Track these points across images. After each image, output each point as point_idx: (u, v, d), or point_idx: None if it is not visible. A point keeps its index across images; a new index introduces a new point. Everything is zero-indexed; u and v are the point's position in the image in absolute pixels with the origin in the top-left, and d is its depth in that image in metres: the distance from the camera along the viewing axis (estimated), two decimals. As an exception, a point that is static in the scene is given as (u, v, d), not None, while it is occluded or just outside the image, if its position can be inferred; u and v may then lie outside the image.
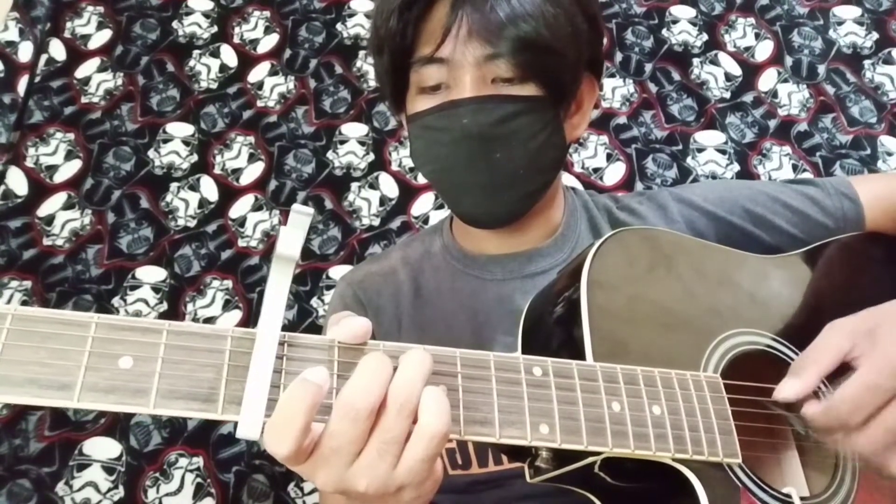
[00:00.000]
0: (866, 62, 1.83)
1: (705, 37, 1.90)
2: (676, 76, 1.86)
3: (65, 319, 0.48)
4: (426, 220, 1.71)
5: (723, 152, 1.76)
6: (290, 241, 0.50)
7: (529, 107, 0.85)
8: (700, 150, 1.76)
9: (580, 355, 0.65)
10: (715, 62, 1.87)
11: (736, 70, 1.86)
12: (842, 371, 0.69)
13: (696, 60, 1.87)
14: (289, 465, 0.51)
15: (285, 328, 0.52)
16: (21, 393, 0.45)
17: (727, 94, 1.83)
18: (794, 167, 1.73)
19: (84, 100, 1.80)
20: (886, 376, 0.66)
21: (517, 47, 0.82)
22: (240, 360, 0.50)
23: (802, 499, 0.70)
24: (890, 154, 1.71)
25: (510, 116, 0.84)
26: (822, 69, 1.83)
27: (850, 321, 0.72)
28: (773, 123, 1.78)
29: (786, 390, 0.70)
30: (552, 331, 0.72)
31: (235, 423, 0.48)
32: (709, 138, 1.78)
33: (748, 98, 1.82)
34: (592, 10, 0.91)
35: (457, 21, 0.82)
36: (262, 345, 0.50)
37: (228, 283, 1.63)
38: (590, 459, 0.62)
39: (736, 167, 1.74)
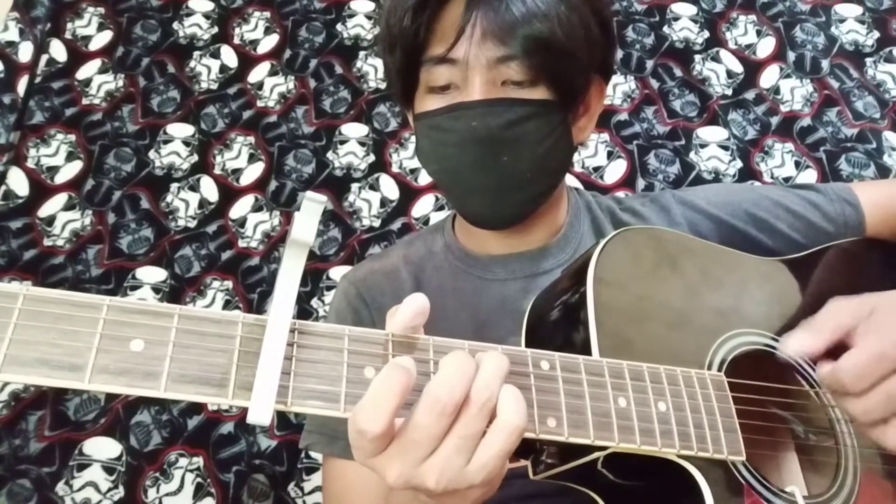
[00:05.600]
0: (868, 60, 1.84)
1: (707, 34, 1.90)
2: (678, 72, 1.86)
3: (76, 301, 0.48)
4: (426, 222, 1.71)
5: (725, 149, 1.76)
6: (304, 227, 0.50)
7: (539, 110, 0.85)
8: (703, 146, 1.77)
9: (586, 351, 0.65)
10: (717, 59, 1.87)
11: (738, 67, 1.86)
12: (837, 351, 0.70)
13: (697, 57, 1.88)
14: (368, 452, 0.51)
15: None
16: (31, 373, 0.45)
17: (729, 91, 1.83)
18: (797, 164, 1.73)
19: (85, 101, 1.80)
20: (892, 348, 0.67)
21: (531, 47, 0.82)
22: (251, 346, 0.50)
23: (803, 498, 0.70)
24: (895, 149, 1.72)
25: (520, 120, 0.84)
26: (825, 64, 1.84)
27: (853, 302, 0.72)
28: (775, 120, 1.79)
29: (795, 342, 0.71)
30: (557, 327, 0.72)
31: (245, 411, 0.48)
32: (711, 134, 1.78)
33: (750, 95, 1.82)
34: (605, 15, 0.91)
35: (471, 21, 0.82)
36: (273, 331, 0.50)
37: (229, 284, 1.62)
38: (593, 456, 0.62)
39: (739, 164, 1.74)
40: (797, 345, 0.71)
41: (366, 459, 0.52)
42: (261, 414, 0.48)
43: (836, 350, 0.70)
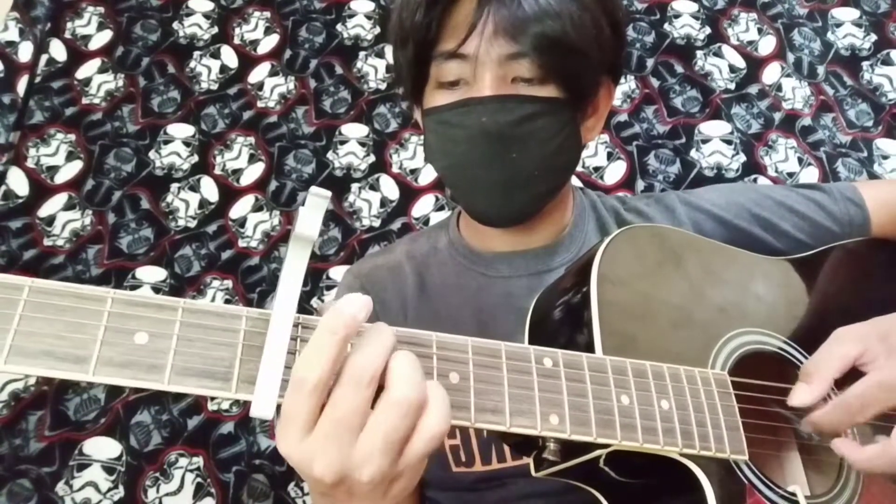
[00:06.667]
0: (864, 63, 1.84)
1: (708, 30, 1.90)
2: (680, 68, 1.86)
3: (81, 294, 0.48)
4: (426, 222, 1.71)
5: (728, 143, 1.76)
6: (309, 221, 0.50)
7: (549, 108, 0.85)
8: (705, 142, 1.76)
9: (589, 349, 0.65)
10: (719, 54, 1.87)
11: (740, 62, 1.86)
12: (851, 378, 0.69)
13: (699, 52, 1.87)
14: (302, 420, 0.50)
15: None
16: (37, 365, 0.46)
17: (732, 86, 1.83)
18: (800, 160, 1.72)
19: (85, 101, 1.80)
20: None
21: (542, 45, 0.82)
22: (254, 340, 0.51)
23: (805, 498, 0.70)
24: (885, 157, 1.72)
25: (529, 117, 0.84)
26: (821, 70, 1.84)
27: (858, 328, 0.73)
28: (777, 116, 1.78)
29: (798, 397, 0.71)
30: (560, 324, 0.72)
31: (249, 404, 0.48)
32: (714, 128, 1.78)
33: (753, 90, 1.82)
34: (617, 16, 0.91)
35: (483, 17, 0.82)
36: (276, 325, 0.50)
37: (228, 283, 1.62)
38: (596, 453, 0.62)
39: (742, 158, 1.74)
40: (802, 399, 0.71)
41: (298, 442, 0.51)
42: (264, 408, 0.48)
43: (846, 379, 0.70)
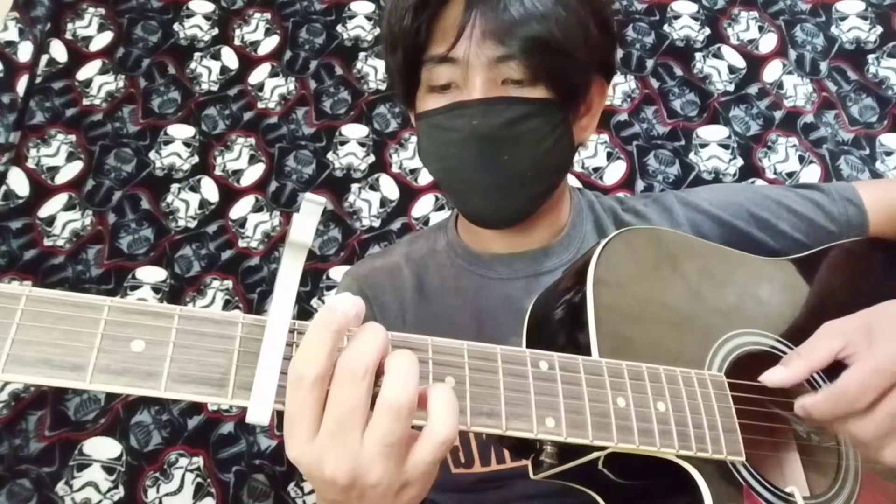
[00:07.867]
0: (870, 56, 1.83)
1: (708, 31, 1.90)
2: (678, 71, 1.86)
3: (78, 302, 0.48)
4: (426, 222, 1.71)
5: (726, 147, 1.76)
6: (303, 228, 0.50)
7: (539, 109, 0.85)
8: (703, 146, 1.77)
9: (585, 352, 0.65)
10: (718, 56, 1.87)
11: (740, 62, 1.86)
12: (835, 371, 0.70)
13: (698, 55, 1.87)
14: (305, 419, 0.50)
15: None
16: (34, 373, 0.46)
17: (731, 87, 1.82)
18: (801, 158, 1.72)
19: (85, 102, 1.81)
20: (891, 362, 0.67)
21: (528, 47, 0.82)
22: (250, 347, 0.51)
23: (804, 499, 0.70)
24: (889, 153, 1.71)
25: (520, 119, 0.84)
26: (823, 66, 1.83)
27: (844, 322, 0.73)
28: (778, 114, 1.78)
29: (771, 376, 0.71)
30: (557, 327, 0.72)
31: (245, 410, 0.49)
32: (711, 133, 1.78)
33: (753, 90, 1.82)
34: (604, 15, 0.91)
35: (470, 21, 0.82)
36: (272, 331, 0.50)
37: (229, 284, 1.63)
38: (593, 455, 0.62)
39: (740, 162, 1.74)
40: (774, 378, 0.71)
41: (305, 444, 0.51)
42: (260, 414, 0.48)
43: (831, 372, 0.70)
